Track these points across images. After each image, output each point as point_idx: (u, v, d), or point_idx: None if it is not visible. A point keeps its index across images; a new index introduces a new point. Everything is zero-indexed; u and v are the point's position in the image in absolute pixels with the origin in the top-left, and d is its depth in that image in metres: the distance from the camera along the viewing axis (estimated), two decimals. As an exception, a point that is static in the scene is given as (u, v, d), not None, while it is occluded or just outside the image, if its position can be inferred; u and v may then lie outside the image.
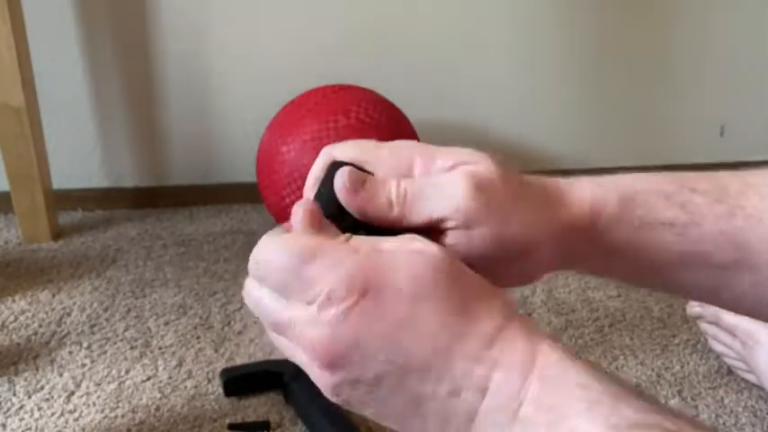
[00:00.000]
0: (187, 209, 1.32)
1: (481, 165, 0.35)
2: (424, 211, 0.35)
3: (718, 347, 0.82)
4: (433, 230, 0.35)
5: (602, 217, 0.37)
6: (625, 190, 0.38)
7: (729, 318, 0.78)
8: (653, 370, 0.83)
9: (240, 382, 0.76)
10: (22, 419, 0.71)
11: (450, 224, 0.35)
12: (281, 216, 1.06)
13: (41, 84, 1.14)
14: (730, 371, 0.82)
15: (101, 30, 1.24)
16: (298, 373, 0.73)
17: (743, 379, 0.80)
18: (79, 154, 1.29)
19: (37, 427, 0.70)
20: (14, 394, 0.75)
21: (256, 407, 0.73)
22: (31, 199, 1.12)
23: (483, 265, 0.35)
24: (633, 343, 0.88)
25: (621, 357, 0.85)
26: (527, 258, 0.37)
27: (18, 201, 1.12)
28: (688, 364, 0.84)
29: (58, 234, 1.18)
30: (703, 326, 0.84)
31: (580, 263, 0.40)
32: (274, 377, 0.75)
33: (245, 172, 1.28)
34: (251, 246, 1.22)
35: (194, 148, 1.33)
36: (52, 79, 1.22)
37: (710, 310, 0.81)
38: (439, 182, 0.35)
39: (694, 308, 0.83)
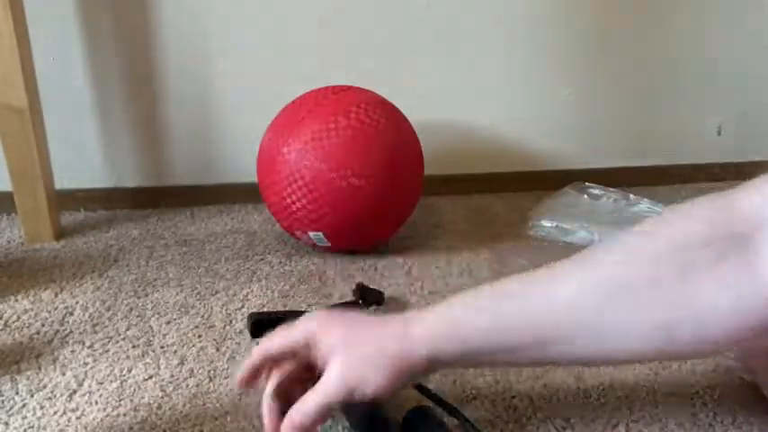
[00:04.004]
0: (189, 209, 1.33)
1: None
2: None
3: (716, 346, 0.83)
4: None
5: (430, 347, 0.56)
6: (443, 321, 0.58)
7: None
8: (650, 369, 0.83)
9: (266, 325, 0.77)
10: (24, 418, 0.72)
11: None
12: (281, 216, 1.07)
13: (43, 84, 1.14)
14: (728, 369, 0.83)
15: (103, 31, 1.24)
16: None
17: (740, 377, 0.81)
18: (81, 154, 1.30)
19: (39, 426, 0.70)
20: (17, 393, 0.75)
21: (256, 406, 0.74)
22: (33, 199, 1.12)
23: None
24: (631, 342, 0.89)
25: (620, 356, 0.85)
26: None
27: (20, 201, 1.13)
28: (685, 362, 0.85)
29: (60, 234, 1.18)
30: (701, 325, 0.84)
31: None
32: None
33: (246, 172, 1.28)
34: (252, 245, 1.24)
35: (196, 148, 1.34)
36: (54, 80, 1.23)
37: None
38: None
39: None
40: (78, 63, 1.25)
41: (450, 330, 0.56)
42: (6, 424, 0.70)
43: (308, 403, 0.55)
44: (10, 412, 0.72)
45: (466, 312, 0.57)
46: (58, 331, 0.88)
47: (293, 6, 1.28)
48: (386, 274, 1.06)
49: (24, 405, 0.73)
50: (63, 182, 1.25)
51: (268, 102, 1.16)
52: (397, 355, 0.55)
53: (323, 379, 0.55)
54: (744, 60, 1.49)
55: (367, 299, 0.93)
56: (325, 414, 0.56)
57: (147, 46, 1.26)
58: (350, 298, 0.95)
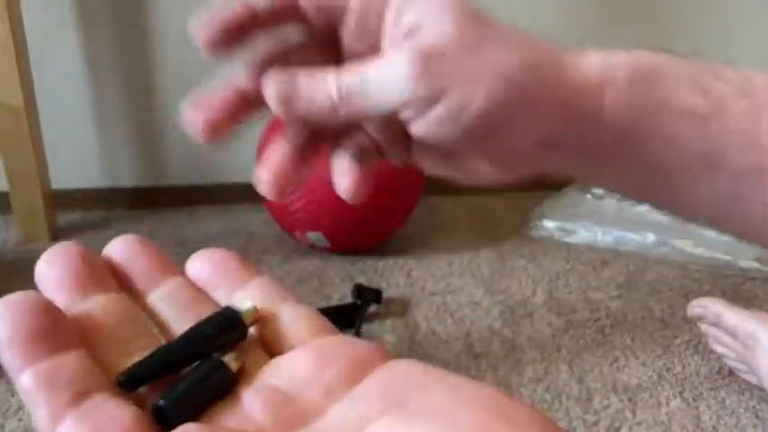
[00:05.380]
0: (186, 209, 1.32)
1: (434, 29, 0.28)
2: (370, 108, 0.29)
3: (719, 348, 0.82)
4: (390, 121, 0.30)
5: (610, 93, 0.29)
6: (640, 65, 0.31)
7: (730, 319, 0.78)
8: (654, 371, 0.82)
9: None
10: (20, 420, 0.71)
11: (404, 115, 0.29)
12: (279, 216, 1.06)
13: (41, 84, 1.14)
14: (731, 372, 0.82)
15: (100, 30, 1.23)
16: None
17: (744, 380, 0.80)
18: (78, 154, 1.29)
19: (36, 429, 0.69)
20: (12, 395, 0.75)
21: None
22: (29, 199, 1.12)
23: (452, 147, 0.30)
24: (634, 344, 0.88)
25: (623, 358, 0.85)
26: (503, 139, 0.30)
27: (17, 201, 1.12)
28: (689, 364, 0.84)
29: (56, 234, 1.17)
30: (704, 327, 0.84)
31: (571, 154, 0.31)
32: None
33: (245, 172, 1.27)
34: (250, 246, 1.22)
35: (193, 147, 1.32)
36: (51, 79, 1.22)
37: (711, 311, 0.80)
38: (382, 70, 0.29)
39: (695, 309, 0.82)
40: (76, 63, 1.24)
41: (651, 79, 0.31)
42: (3, 426, 0.70)
43: (323, 82, 0.29)
44: (6, 414, 0.71)
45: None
46: (54, 333, 0.87)
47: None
48: (386, 274, 1.06)
49: (20, 407, 0.73)
50: (59, 181, 1.24)
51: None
52: (544, 60, 0.30)
53: (379, 58, 0.30)
54: (744, 60, 1.48)
55: (365, 298, 0.93)
56: (343, 116, 0.30)
57: (144, 45, 1.25)
58: (350, 299, 0.94)
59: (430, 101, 0.28)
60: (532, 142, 0.30)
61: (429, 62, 0.28)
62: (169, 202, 1.33)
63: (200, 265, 0.25)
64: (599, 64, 0.30)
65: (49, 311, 0.20)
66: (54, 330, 0.20)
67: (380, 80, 0.29)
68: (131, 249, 0.25)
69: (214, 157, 1.34)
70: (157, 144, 1.32)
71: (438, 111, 0.28)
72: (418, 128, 0.29)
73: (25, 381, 0.19)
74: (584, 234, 1.19)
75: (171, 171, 1.33)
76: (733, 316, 0.78)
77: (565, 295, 1.00)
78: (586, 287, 1.03)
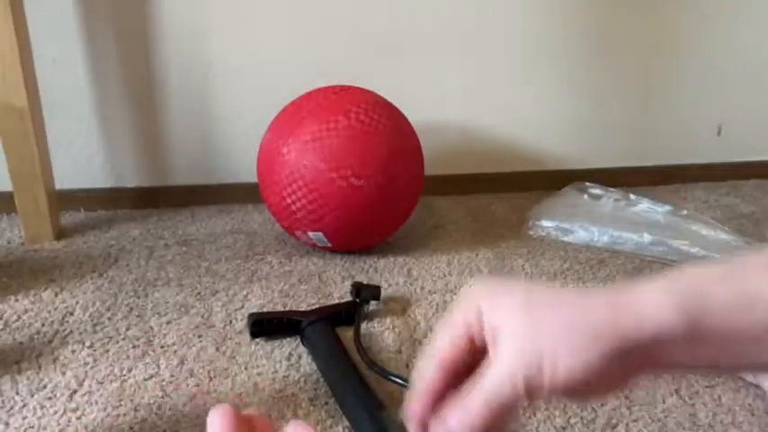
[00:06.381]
0: (189, 209, 1.33)
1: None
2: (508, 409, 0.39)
3: (715, 346, 0.83)
4: None
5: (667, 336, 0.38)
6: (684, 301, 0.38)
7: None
8: (650, 369, 0.83)
9: (266, 325, 0.87)
10: (24, 418, 0.72)
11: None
12: (281, 216, 1.07)
13: (44, 85, 1.14)
14: (727, 370, 0.83)
15: (103, 31, 1.24)
16: (311, 322, 0.85)
17: (740, 378, 0.81)
18: (81, 154, 1.30)
19: (39, 426, 0.70)
20: (17, 393, 0.76)
21: (257, 405, 0.74)
22: (33, 199, 1.12)
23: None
24: (631, 342, 0.89)
25: (619, 356, 0.85)
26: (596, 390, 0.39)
27: (21, 201, 1.13)
28: (685, 362, 0.85)
29: (60, 234, 1.18)
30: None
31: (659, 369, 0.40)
32: (294, 324, 0.86)
33: (246, 172, 1.28)
34: (252, 245, 1.23)
35: (196, 148, 1.34)
36: (55, 81, 1.23)
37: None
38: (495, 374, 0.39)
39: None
40: (79, 64, 1.25)
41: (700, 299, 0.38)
42: (7, 424, 0.70)
43: (471, 402, 0.39)
44: (10, 412, 0.72)
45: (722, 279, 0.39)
46: (58, 331, 0.88)
47: (293, 6, 1.28)
48: (386, 274, 1.07)
49: (25, 405, 0.74)
50: (63, 182, 1.25)
51: (268, 102, 1.16)
52: (608, 324, 0.38)
53: (492, 366, 0.39)
54: (744, 60, 1.49)
55: (364, 295, 0.93)
56: (498, 416, 0.38)
57: (146, 46, 1.26)
58: (350, 298, 0.95)
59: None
60: (625, 380, 0.39)
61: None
62: (171, 202, 1.34)
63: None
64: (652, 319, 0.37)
65: None
66: None
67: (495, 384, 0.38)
68: (234, 419, 0.35)
69: (216, 157, 1.35)
70: (160, 145, 1.33)
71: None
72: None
73: None
74: (581, 234, 1.20)
75: (173, 171, 1.34)
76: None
77: (563, 294, 1.01)
78: (584, 286, 1.04)
